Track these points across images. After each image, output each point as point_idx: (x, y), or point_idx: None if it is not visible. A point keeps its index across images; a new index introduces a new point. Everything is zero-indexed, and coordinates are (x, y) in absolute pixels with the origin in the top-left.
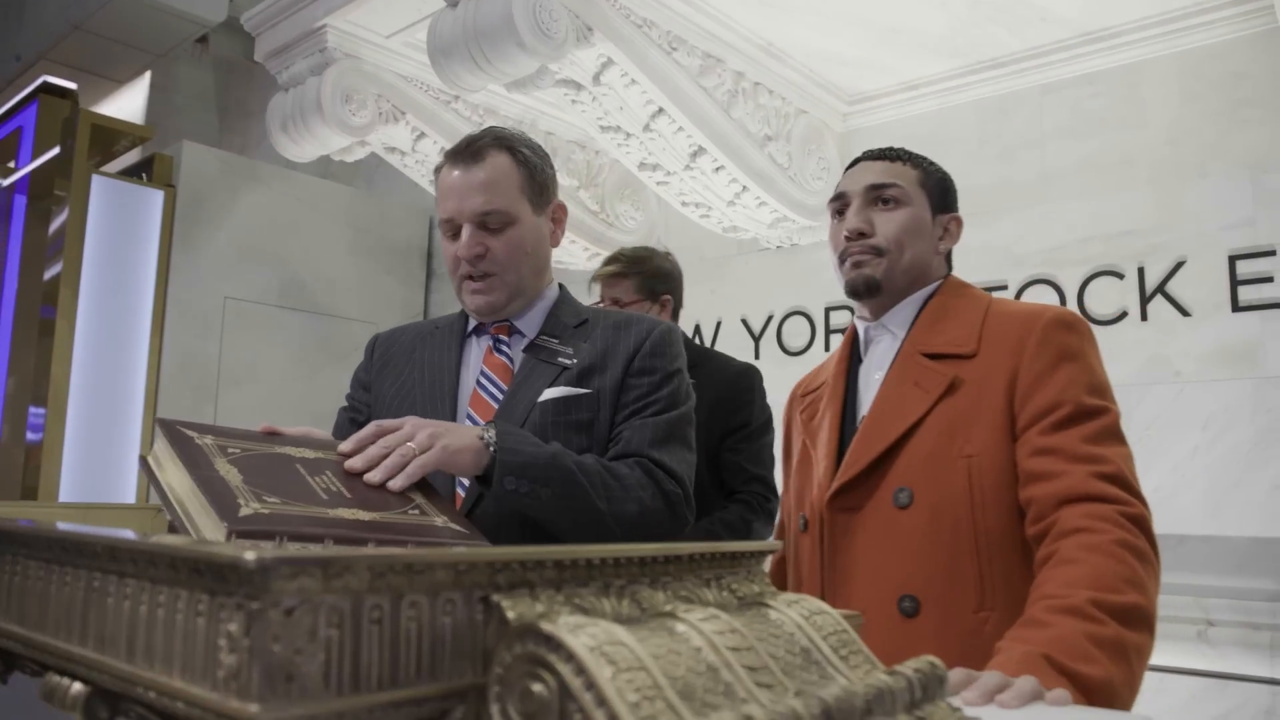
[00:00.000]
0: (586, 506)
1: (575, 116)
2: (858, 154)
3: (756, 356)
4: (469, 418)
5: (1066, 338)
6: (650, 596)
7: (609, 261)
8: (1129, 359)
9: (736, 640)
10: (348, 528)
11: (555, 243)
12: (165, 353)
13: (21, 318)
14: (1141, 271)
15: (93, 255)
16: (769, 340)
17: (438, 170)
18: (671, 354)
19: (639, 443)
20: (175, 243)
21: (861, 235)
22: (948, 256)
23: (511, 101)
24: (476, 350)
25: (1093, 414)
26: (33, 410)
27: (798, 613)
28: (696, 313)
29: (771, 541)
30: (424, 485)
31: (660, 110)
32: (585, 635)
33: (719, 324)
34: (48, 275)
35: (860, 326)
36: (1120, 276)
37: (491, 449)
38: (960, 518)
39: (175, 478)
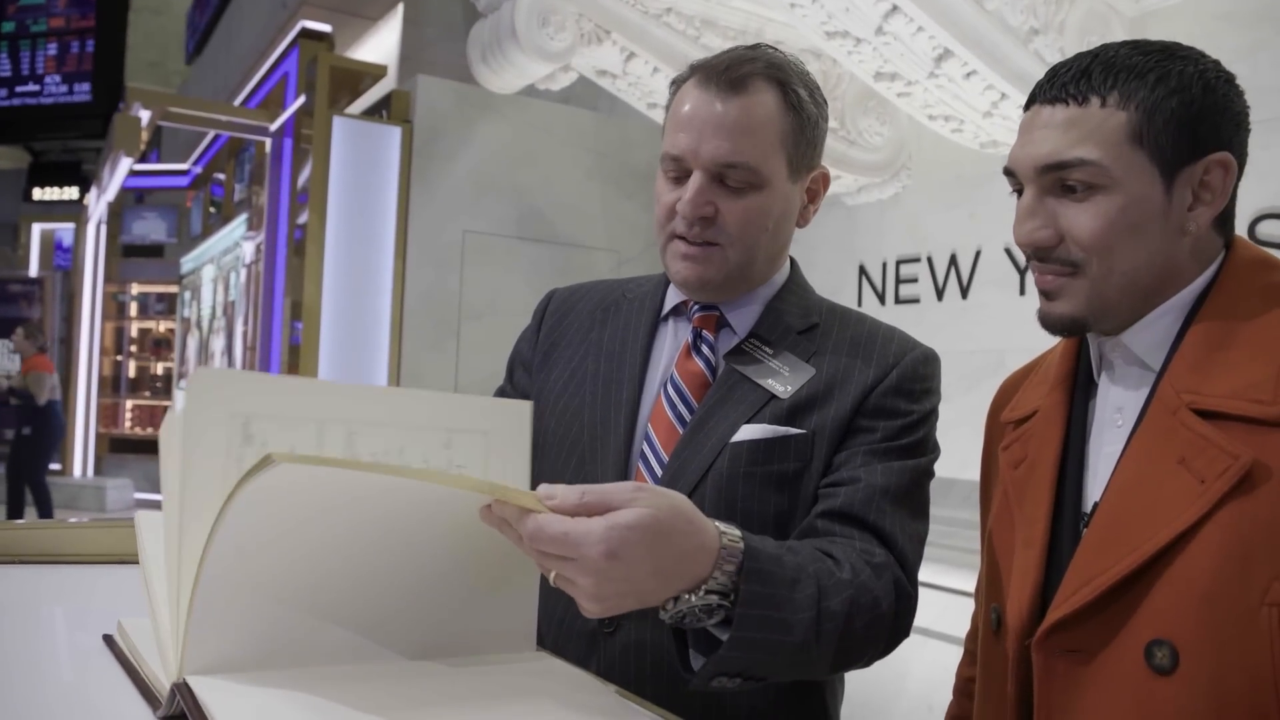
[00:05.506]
0: (792, 648)
1: (796, 22)
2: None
3: (1022, 293)
4: (646, 440)
5: None
6: None
7: None
8: None
9: None
10: None
11: (804, 222)
12: (408, 286)
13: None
14: None
15: (337, 195)
16: None
17: (676, 84)
18: (925, 390)
19: (864, 504)
20: (414, 178)
21: (1042, 247)
22: (1223, 218)
23: (732, 10)
24: (671, 340)
25: None
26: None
27: None
28: (952, 240)
29: None
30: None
31: (894, 8)
32: None
33: (978, 254)
34: (300, 220)
35: (1091, 339)
36: None
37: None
38: (1268, 705)
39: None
